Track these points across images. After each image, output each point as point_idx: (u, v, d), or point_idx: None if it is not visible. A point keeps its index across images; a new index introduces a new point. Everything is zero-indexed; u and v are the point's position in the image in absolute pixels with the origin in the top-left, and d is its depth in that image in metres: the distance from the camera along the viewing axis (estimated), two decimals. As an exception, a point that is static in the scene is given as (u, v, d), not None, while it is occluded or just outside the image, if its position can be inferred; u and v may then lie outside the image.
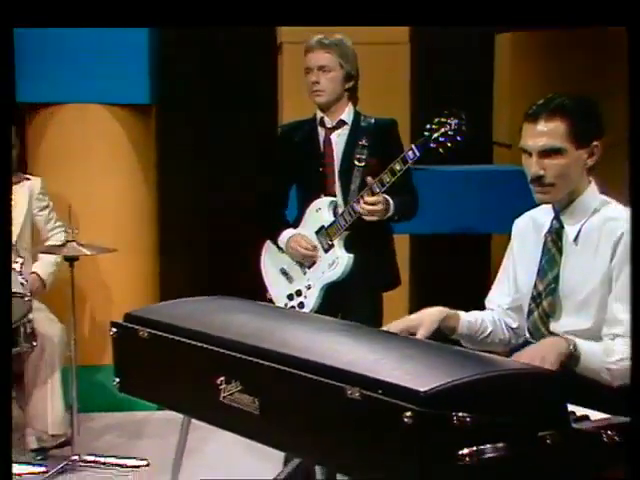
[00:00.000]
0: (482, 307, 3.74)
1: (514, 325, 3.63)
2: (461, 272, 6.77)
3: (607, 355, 3.27)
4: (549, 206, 3.54)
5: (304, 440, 2.91)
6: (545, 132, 3.37)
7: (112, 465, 5.43)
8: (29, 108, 6.43)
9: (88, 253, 5.46)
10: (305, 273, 4.76)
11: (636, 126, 2.82)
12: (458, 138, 4.41)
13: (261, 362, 2.92)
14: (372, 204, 4.47)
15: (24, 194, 5.78)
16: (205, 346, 3.15)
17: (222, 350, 3.07)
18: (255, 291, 4.76)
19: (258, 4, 3.76)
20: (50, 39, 6.24)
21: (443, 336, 3.46)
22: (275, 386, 2.88)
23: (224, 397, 3.03)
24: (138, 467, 5.39)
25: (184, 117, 7.11)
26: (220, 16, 3.90)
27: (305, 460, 3.76)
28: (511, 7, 3.49)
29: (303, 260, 4.74)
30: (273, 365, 2.88)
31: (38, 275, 5.56)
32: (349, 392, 2.59)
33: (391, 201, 4.53)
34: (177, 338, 3.28)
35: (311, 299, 4.72)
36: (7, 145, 3.28)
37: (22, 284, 5.20)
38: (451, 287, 6.01)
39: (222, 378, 3.04)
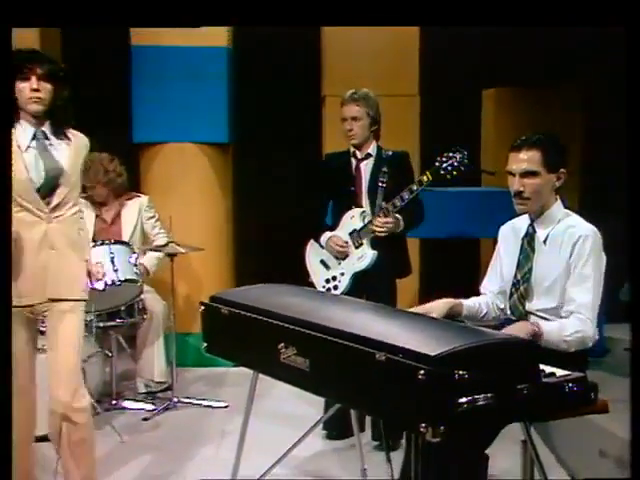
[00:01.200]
0: (474, 290, 3.69)
1: (501, 306, 3.58)
2: (457, 265, 6.71)
3: (562, 330, 3.24)
4: (526, 216, 3.51)
5: (342, 391, 2.87)
6: (525, 159, 3.35)
7: (201, 405, 5.43)
8: (142, 146, 6.41)
9: (183, 251, 5.45)
10: (340, 263, 4.70)
11: (634, 126, 2.53)
12: (462, 168, 4.39)
13: (311, 333, 2.90)
14: (384, 224, 4.46)
15: (135, 207, 5.76)
16: (269, 320, 3.12)
17: (282, 323, 3.04)
18: (300, 277, 4.73)
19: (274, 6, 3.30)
20: (154, 91, 6.23)
21: (450, 318, 3.40)
22: (321, 350, 2.85)
23: (284, 358, 3.00)
24: (220, 408, 5.38)
25: (253, 152, 7.07)
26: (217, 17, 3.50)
27: (343, 406, 3.75)
28: (512, 8, 3.12)
29: (337, 254, 4.69)
30: (320, 335, 2.85)
31: (144, 266, 5.54)
32: (377, 356, 2.55)
33: (401, 220, 4.51)
34: (249, 314, 3.26)
35: (343, 283, 4.66)
36: (8, 152, 3.02)
37: (136, 273, 5.17)
38: (449, 276, 5.95)
39: (282, 344, 3.01)
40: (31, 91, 3.49)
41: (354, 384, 2.73)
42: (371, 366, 2.57)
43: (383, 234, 4.50)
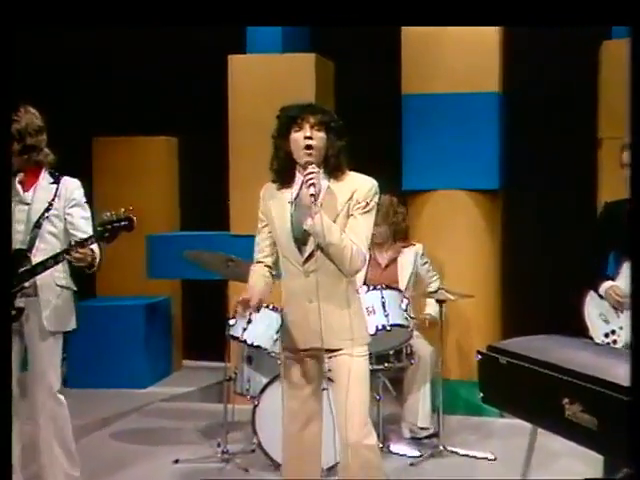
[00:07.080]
0: None
1: None
2: None
3: None
4: None
5: (635, 453, 2.69)
6: None
7: (467, 456, 5.29)
8: (412, 193, 6.42)
9: (452, 298, 5.43)
10: (619, 317, 4.44)
11: (636, 125, 2.41)
12: None
13: (601, 390, 2.75)
14: None
15: (412, 254, 5.79)
16: (553, 374, 3.02)
17: (567, 378, 2.93)
18: (573, 328, 4.49)
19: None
20: (424, 139, 6.27)
21: None
22: (612, 409, 2.70)
23: (568, 415, 2.89)
24: (486, 459, 5.19)
25: (523, 198, 6.87)
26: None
27: (633, 469, 3.52)
28: (517, 8, 3.11)
29: (617, 305, 4.42)
30: (611, 393, 2.70)
31: (431, 314, 5.65)
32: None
33: None
34: (530, 365, 3.16)
35: (623, 337, 4.38)
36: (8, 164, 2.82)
37: (406, 318, 5.15)
38: None
39: (566, 399, 2.90)
40: (304, 139, 3.42)
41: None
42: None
43: None
